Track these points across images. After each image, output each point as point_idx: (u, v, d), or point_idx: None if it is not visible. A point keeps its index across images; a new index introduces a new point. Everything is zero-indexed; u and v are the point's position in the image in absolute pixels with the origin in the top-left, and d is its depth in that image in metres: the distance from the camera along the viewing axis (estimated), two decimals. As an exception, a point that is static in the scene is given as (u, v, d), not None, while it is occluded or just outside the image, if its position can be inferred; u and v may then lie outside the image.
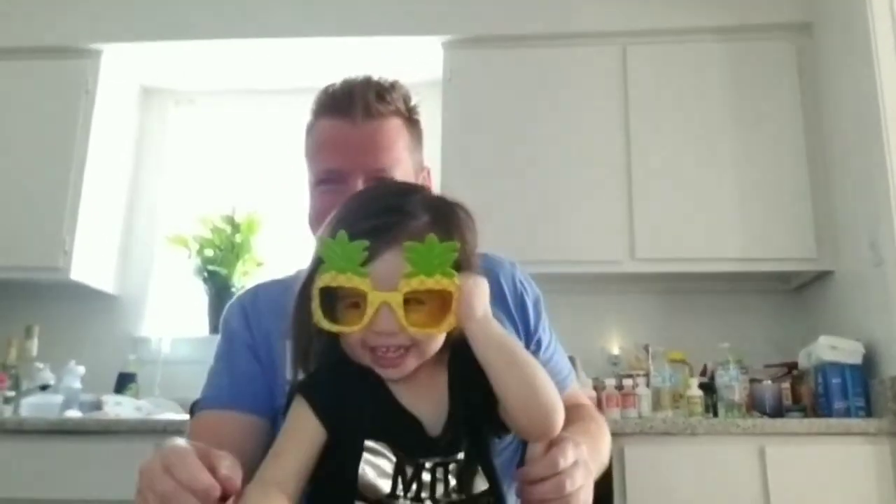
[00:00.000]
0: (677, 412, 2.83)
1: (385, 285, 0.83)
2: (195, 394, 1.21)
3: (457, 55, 3.29)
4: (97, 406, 2.93)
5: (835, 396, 2.68)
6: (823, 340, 2.75)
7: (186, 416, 2.84)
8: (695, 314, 3.32)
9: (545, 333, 1.31)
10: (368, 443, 0.85)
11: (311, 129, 1.29)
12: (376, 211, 0.89)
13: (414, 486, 0.84)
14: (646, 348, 3.09)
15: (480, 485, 0.87)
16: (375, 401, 0.88)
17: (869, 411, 2.66)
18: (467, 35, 3.33)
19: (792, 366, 2.97)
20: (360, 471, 0.84)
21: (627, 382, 2.83)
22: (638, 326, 3.27)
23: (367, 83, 1.26)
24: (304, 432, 0.86)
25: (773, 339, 3.22)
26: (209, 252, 3.55)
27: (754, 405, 2.83)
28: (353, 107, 1.22)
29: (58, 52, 3.45)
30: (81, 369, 3.14)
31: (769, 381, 2.87)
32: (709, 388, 2.88)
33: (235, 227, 3.58)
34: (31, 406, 2.88)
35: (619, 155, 3.16)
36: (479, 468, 0.88)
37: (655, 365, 3.00)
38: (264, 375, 1.15)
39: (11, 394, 2.96)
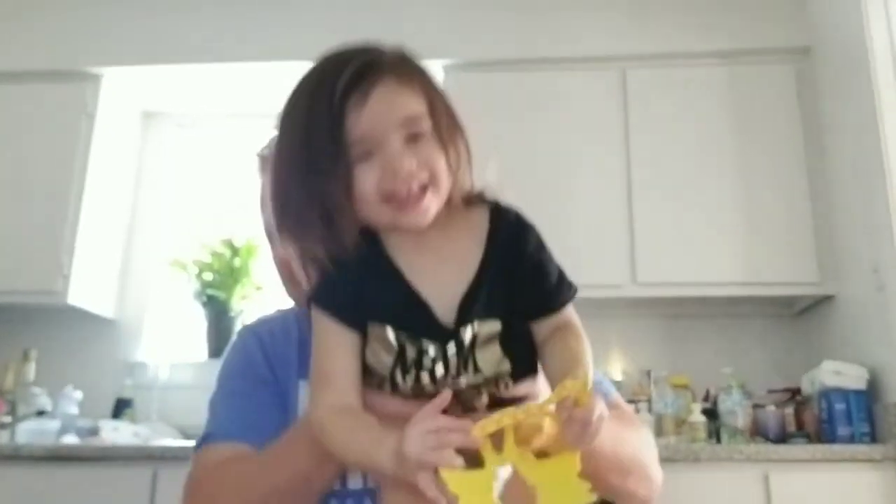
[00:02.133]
0: (680, 438, 2.81)
1: (384, 122, 0.83)
2: (193, 419, 1.19)
3: (457, 79, 3.29)
4: (94, 432, 2.91)
5: (839, 422, 2.65)
6: (827, 366, 2.72)
7: (184, 443, 2.83)
8: (697, 339, 3.30)
9: None
10: (372, 327, 0.85)
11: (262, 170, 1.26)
12: (359, 55, 0.88)
13: (414, 370, 0.84)
14: (648, 374, 3.07)
15: (497, 365, 0.85)
16: (384, 286, 0.86)
17: (874, 437, 2.63)
18: (468, 59, 3.33)
19: (795, 391, 2.94)
20: (366, 354, 0.85)
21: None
22: (640, 351, 3.25)
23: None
24: (340, 347, 0.86)
25: (776, 363, 3.20)
26: (208, 276, 3.54)
27: (758, 431, 2.80)
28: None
29: (58, 76, 3.45)
30: (78, 394, 3.12)
31: (773, 407, 2.85)
32: (712, 413, 2.86)
33: (234, 252, 3.57)
34: (28, 432, 2.86)
35: (619, 178, 3.16)
36: (500, 348, 0.85)
37: (658, 390, 2.98)
38: (280, 414, 1.09)
39: (8, 419, 2.94)
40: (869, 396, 2.67)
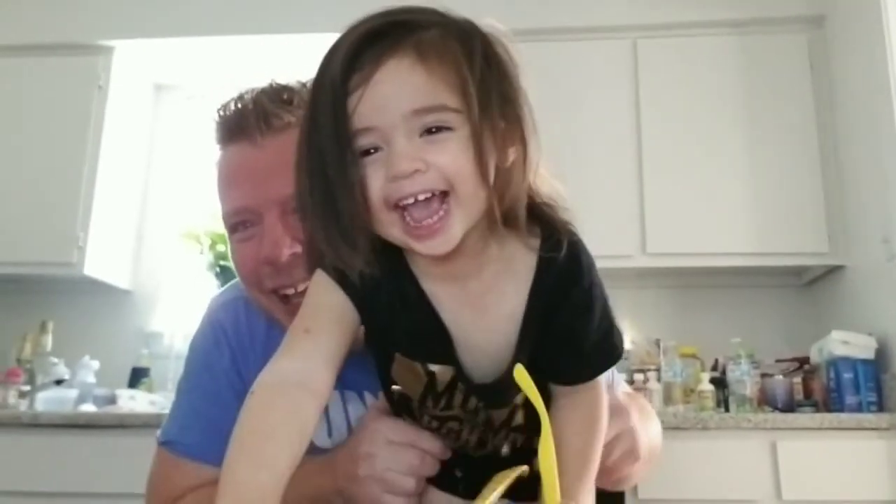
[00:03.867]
0: (688, 407, 2.83)
1: (389, 110, 0.66)
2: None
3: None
4: (111, 400, 2.96)
5: (846, 391, 2.67)
6: (835, 335, 2.74)
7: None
8: (706, 309, 3.31)
9: None
10: (399, 357, 0.76)
11: (216, 164, 1.07)
12: (373, 18, 0.70)
13: (446, 397, 0.77)
14: (657, 343, 3.09)
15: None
16: (406, 310, 0.73)
17: (881, 406, 2.65)
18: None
19: (803, 360, 2.96)
20: (392, 372, 0.78)
21: (639, 377, 2.83)
22: (649, 321, 3.27)
23: (263, 90, 1.03)
24: (336, 308, 0.73)
25: (785, 333, 3.21)
26: (221, 247, 3.56)
27: (766, 400, 2.82)
28: (247, 122, 0.98)
29: (70, 49, 3.46)
30: (96, 364, 3.17)
31: (781, 376, 2.87)
32: (720, 382, 2.88)
33: (247, 223, 3.58)
34: (46, 400, 2.91)
35: (630, 149, 3.16)
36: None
37: (667, 360, 3.00)
38: None
39: (26, 388, 2.99)
40: (877, 366, 2.68)
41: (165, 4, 3.48)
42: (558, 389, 0.77)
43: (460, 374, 0.76)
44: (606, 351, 0.77)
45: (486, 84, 0.67)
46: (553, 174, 0.76)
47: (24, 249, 3.22)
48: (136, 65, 3.60)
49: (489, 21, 0.73)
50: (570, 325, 0.74)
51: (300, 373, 0.69)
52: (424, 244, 0.67)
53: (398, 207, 0.67)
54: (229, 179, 1.01)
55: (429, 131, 0.66)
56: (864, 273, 2.86)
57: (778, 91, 3.15)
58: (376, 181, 0.67)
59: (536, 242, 0.73)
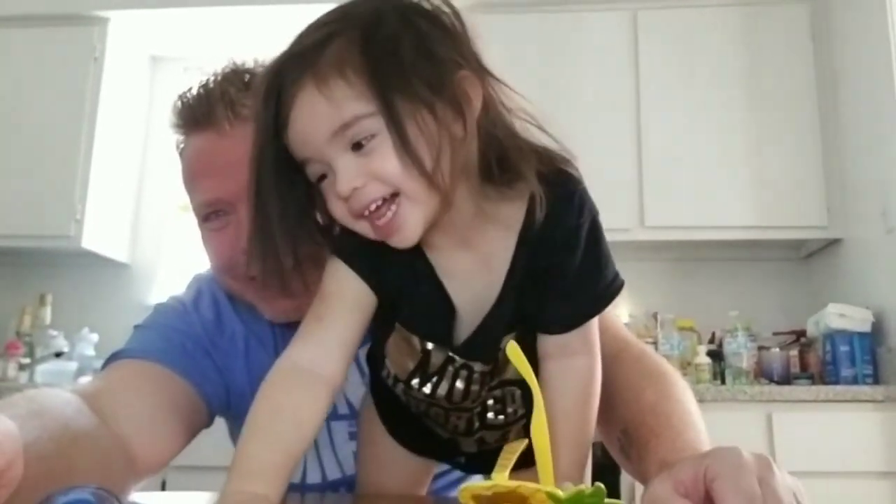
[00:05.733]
0: (685, 380, 2.84)
1: (316, 141, 0.66)
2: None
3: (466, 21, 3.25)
4: (111, 373, 2.97)
5: (842, 364, 2.69)
6: (832, 308, 2.75)
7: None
8: (704, 282, 3.32)
9: None
10: (399, 327, 0.76)
11: (180, 152, 1.04)
12: (280, 55, 0.70)
13: (434, 379, 0.77)
14: (654, 316, 3.10)
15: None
16: (416, 285, 0.74)
17: (876, 379, 2.67)
18: (477, 1, 3.29)
19: (800, 333, 2.97)
20: (387, 343, 0.78)
21: (636, 350, 2.84)
22: (647, 294, 3.27)
23: (226, 76, 1.00)
24: (348, 295, 0.73)
25: (782, 306, 3.22)
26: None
27: (762, 373, 2.84)
28: (214, 110, 0.96)
29: (65, 20, 3.43)
30: (95, 336, 3.19)
31: (777, 349, 2.88)
32: (717, 355, 2.90)
33: (244, 196, 3.57)
34: (46, 373, 2.93)
35: (629, 122, 3.14)
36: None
37: (664, 332, 3.01)
38: (215, 368, 1.01)
39: (26, 360, 3.01)
40: (873, 339, 2.70)
41: (160, -25, 3.45)
42: (548, 351, 0.75)
43: (455, 352, 0.76)
44: (595, 291, 0.75)
45: (398, 72, 0.65)
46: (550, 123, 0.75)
47: (22, 223, 3.22)
48: (131, 36, 3.57)
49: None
50: (552, 261, 0.73)
51: (312, 359, 0.71)
52: (391, 241, 0.69)
53: (363, 216, 0.68)
54: (199, 170, 0.98)
55: (358, 145, 0.66)
56: (862, 246, 2.87)
57: (778, 63, 3.14)
58: (337, 203, 0.69)
59: (524, 198, 0.72)
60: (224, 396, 1.02)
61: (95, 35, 3.41)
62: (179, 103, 1.01)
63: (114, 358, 0.98)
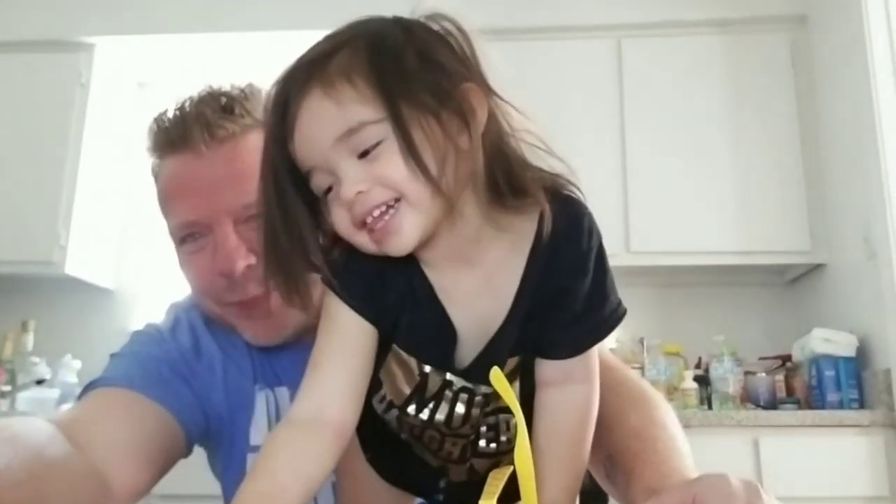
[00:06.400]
0: (672, 405, 2.83)
1: (320, 149, 0.66)
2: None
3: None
4: (93, 400, 2.93)
5: (828, 389, 2.70)
6: (817, 333, 2.76)
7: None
8: (690, 307, 3.33)
9: None
10: (395, 348, 0.75)
11: (156, 175, 1.04)
12: (290, 66, 0.70)
13: (431, 405, 0.76)
14: (641, 341, 3.10)
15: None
16: (416, 307, 0.72)
17: (862, 403, 2.67)
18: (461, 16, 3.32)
19: (786, 358, 2.98)
20: (380, 369, 0.76)
21: (623, 375, 2.83)
22: (633, 319, 3.20)
23: (202, 99, 1.00)
24: (346, 336, 0.71)
25: (768, 331, 3.23)
26: (204, 246, 3.55)
27: (748, 398, 2.84)
28: (190, 133, 0.96)
29: (51, 46, 3.43)
30: (77, 363, 3.15)
31: (763, 374, 2.89)
32: (703, 380, 2.90)
33: (231, 221, 3.57)
34: (28, 400, 2.89)
35: (614, 148, 3.17)
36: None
37: (650, 358, 3.01)
38: (194, 395, 1.00)
39: (7, 388, 2.97)
40: (858, 363, 2.71)
41: (145, 2, 3.46)
42: (550, 377, 0.75)
43: (459, 376, 0.75)
44: (602, 316, 0.74)
45: (405, 80, 0.66)
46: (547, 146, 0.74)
47: (4, 248, 3.20)
48: (118, 62, 3.57)
49: (428, 4, 0.72)
50: (562, 285, 0.72)
51: (312, 408, 0.69)
52: (386, 247, 0.67)
53: (364, 225, 0.67)
54: (176, 192, 0.98)
55: (364, 153, 0.66)
56: (846, 271, 2.89)
57: (760, 90, 3.17)
58: (340, 213, 0.68)
59: (535, 215, 0.71)
60: (203, 423, 1.01)
61: (82, 61, 3.41)
62: (155, 126, 1.01)
63: (90, 387, 0.97)
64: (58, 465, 0.78)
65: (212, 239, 0.95)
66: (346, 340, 0.71)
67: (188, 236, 0.97)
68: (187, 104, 0.99)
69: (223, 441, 1.05)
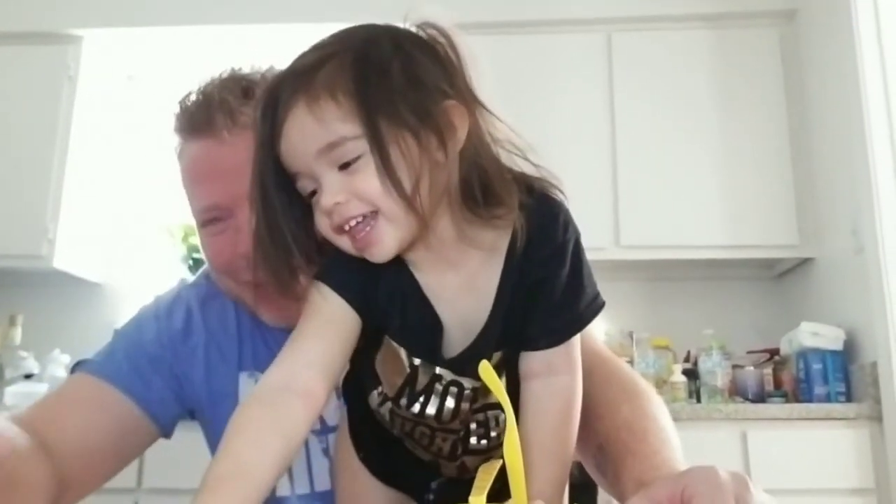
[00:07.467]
0: (661, 398, 2.85)
1: (305, 158, 0.69)
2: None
3: (442, 42, 3.27)
4: (82, 394, 2.93)
5: (816, 382, 2.71)
6: (805, 327, 2.77)
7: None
8: (679, 301, 3.34)
9: None
10: (388, 341, 0.76)
11: (179, 155, 1.05)
12: (280, 72, 0.73)
13: (422, 398, 0.77)
14: (630, 335, 3.11)
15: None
16: (402, 300, 0.74)
17: (849, 396, 2.69)
18: (451, 23, 3.31)
19: (774, 352, 3.00)
20: (375, 360, 0.78)
21: (612, 369, 2.84)
22: (622, 313, 3.29)
23: (224, 83, 1.02)
24: (325, 311, 0.73)
25: (756, 325, 3.25)
26: (194, 240, 3.53)
27: (737, 391, 2.86)
28: (214, 119, 0.98)
29: (39, 38, 3.41)
30: (66, 358, 3.14)
31: (751, 367, 2.90)
32: (692, 374, 2.91)
33: (220, 215, 3.56)
34: (16, 395, 2.88)
35: (603, 142, 3.17)
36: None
37: (639, 351, 3.02)
38: (169, 385, 1.05)
39: (-5, 382, 2.95)
40: (845, 357, 2.73)
41: (135, -7, 3.44)
42: (533, 370, 0.76)
43: (445, 367, 0.77)
44: (580, 306, 0.76)
45: (386, 98, 0.68)
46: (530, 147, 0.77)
47: (-8, 242, 3.17)
48: (106, 55, 3.55)
49: (424, 12, 0.75)
50: (540, 275, 0.74)
51: (281, 378, 0.69)
52: (367, 254, 0.70)
53: (344, 230, 0.70)
54: (199, 176, 1.01)
55: (345, 165, 0.68)
56: (834, 265, 2.91)
57: (750, 84, 3.19)
58: (321, 218, 0.71)
59: (516, 213, 0.73)
60: (178, 411, 1.07)
61: (70, 54, 3.39)
62: (179, 108, 1.03)
63: (78, 366, 1.06)
64: (18, 482, 0.82)
65: (233, 222, 0.98)
66: (326, 322, 0.73)
67: (209, 219, 1.00)
68: (210, 87, 1.02)
69: (206, 424, 1.10)
